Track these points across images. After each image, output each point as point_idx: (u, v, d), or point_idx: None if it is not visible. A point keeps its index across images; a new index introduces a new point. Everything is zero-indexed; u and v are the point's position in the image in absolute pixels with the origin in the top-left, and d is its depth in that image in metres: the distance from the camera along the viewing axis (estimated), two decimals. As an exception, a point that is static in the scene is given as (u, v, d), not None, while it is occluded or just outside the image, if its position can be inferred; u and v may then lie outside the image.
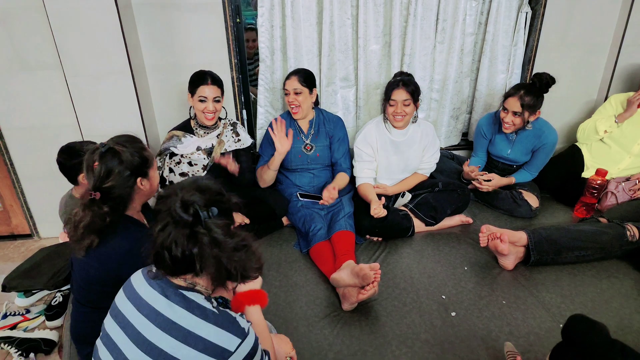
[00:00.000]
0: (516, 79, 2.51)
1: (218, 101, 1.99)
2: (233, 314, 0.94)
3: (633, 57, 2.51)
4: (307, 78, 2.08)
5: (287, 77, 2.11)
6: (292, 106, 2.11)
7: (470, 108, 2.66)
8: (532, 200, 2.19)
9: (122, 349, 0.92)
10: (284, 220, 2.18)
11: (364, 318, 1.57)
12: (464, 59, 2.46)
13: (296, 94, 2.07)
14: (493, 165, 2.40)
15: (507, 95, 2.15)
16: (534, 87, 2.09)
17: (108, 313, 1.01)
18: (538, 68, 2.47)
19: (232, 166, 2.02)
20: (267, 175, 2.13)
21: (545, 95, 2.13)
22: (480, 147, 2.39)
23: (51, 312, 1.89)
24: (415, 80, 2.10)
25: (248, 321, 0.97)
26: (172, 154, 2.07)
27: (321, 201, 2.00)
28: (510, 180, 2.27)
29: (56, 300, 1.93)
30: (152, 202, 1.33)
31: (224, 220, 0.91)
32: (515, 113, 2.11)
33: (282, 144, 2.04)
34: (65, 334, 1.59)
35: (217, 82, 1.98)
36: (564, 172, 2.37)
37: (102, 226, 1.18)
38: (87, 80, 2.07)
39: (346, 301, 1.61)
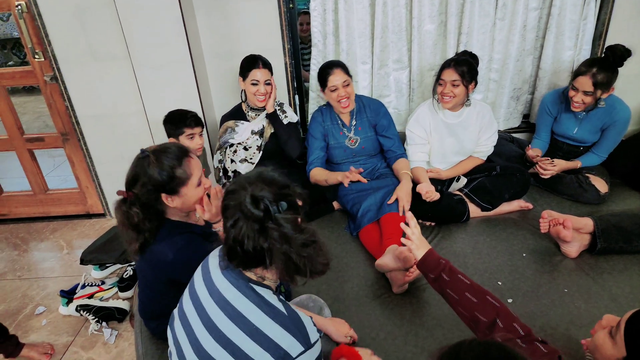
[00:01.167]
0: (585, 56, 2.33)
1: (269, 84, 2.06)
2: (304, 318, 0.93)
3: None
4: (346, 68, 2.03)
5: (327, 73, 1.99)
6: (342, 100, 2.01)
7: (532, 88, 2.51)
8: (601, 185, 2.05)
9: (194, 329, 0.95)
10: (335, 204, 2.21)
11: (415, 301, 1.57)
12: (527, 35, 2.32)
13: (345, 86, 2.00)
14: (557, 147, 2.25)
15: (577, 74, 1.98)
16: (607, 62, 1.92)
17: (187, 286, 1.04)
18: (610, 43, 2.26)
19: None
20: (319, 182, 2.11)
21: (619, 70, 1.96)
22: (544, 127, 2.24)
23: (123, 284, 2.08)
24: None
25: (319, 331, 0.96)
26: (230, 145, 2.18)
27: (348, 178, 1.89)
28: (576, 164, 2.13)
29: (127, 274, 2.12)
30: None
31: (293, 214, 0.91)
32: (586, 92, 1.96)
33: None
34: (135, 306, 1.73)
35: (267, 65, 2.06)
36: (636, 156, 2.18)
37: (135, 225, 1.18)
38: (152, 70, 2.20)
39: (395, 284, 1.61)
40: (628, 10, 2.24)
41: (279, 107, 2.21)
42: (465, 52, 2.08)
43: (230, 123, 2.17)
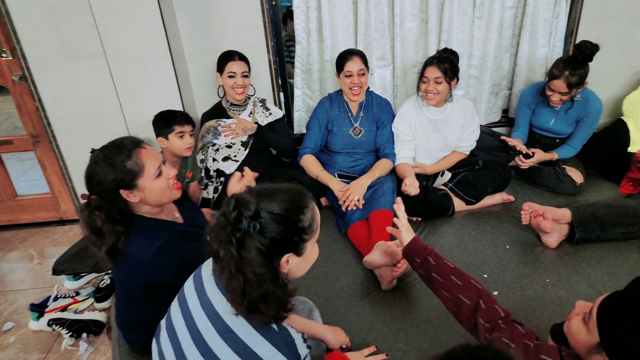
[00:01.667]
0: (558, 53, 2.42)
1: (246, 76, 2.06)
2: (294, 333, 0.88)
3: (683, 26, 2.38)
4: (365, 58, 2.05)
5: (346, 59, 2.00)
6: (355, 88, 2.04)
7: (510, 84, 2.59)
8: (576, 176, 2.15)
9: (181, 343, 0.89)
10: (323, 200, 2.22)
11: (404, 297, 1.59)
12: (504, 33, 2.39)
13: (361, 75, 2.02)
14: (535, 139, 2.35)
15: (551, 77, 2.06)
16: (577, 60, 2.01)
17: (177, 295, 0.98)
18: (581, 40, 2.36)
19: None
20: (308, 171, 2.13)
21: (590, 68, 2.05)
22: (523, 119, 2.33)
23: (99, 294, 1.96)
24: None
25: (309, 347, 0.92)
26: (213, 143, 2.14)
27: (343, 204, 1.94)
28: (553, 155, 2.22)
29: (104, 283, 2.00)
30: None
31: (265, 245, 0.80)
32: (562, 94, 2.05)
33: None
34: (113, 316, 1.63)
35: (243, 58, 2.06)
36: (608, 147, 2.30)
37: (98, 229, 1.13)
38: (129, 68, 2.13)
39: (383, 281, 1.62)
40: (597, 8, 2.34)
41: (262, 104, 2.19)
42: (446, 50, 2.13)
43: (212, 123, 2.13)
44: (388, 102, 2.25)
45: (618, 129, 2.31)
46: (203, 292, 0.91)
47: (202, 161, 2.19)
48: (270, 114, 2.21)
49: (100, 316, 1.89)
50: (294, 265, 0.88)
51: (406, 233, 1.30)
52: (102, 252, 1.15)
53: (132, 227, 1.18)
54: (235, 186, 1.45)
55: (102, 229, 1.13)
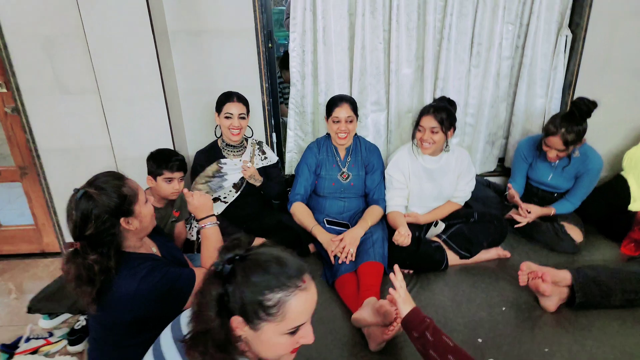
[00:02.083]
0: (556, 104, 2.40)
1: (243, 118, 2.04)
2: None
3: (682, 82, 2.36)
4: (354, 105, 2.05)
5: (335, 105, 2.01)
6: (342, 134, 2.03)
7: (507, 133, 2.56)
8: (576, 234, 2.06)
9: None
10: (311, 247, 2.13)
11: (393, 360, 1.49)
12: (501, 83, 2.38)
13: (348, 122, 2.02)
14: (532, 193, 2.27)
15: (547, 133, 1.99)
16: (574, 118, 1.94)
17: (156, 343, 0.94)
18: (579, 93, 2.35)
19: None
20: (297, 219, 2.10)
21: (588, 122, 2.00)
22: (520, 172, 2.26)
23: (74, 337, 1.86)
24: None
25: None
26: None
27: (333, 253, 1.88)
28: (550, 210, 2.14)
29: (79, 324, 1.91)
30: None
31: (224, 292, 0.81)
32: (559, 150, 1.99)
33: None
34: None
35: (242, 100, 2.05)
36: (608, 204, 2.23)
37: (92, 275, 1.09)
38: (121, 104, 2.11)
39: (372, 341, 1.52)
40: (596, 61, 2.34)
41: (259, 147, 2.17)
42: (443, 98, 2.10)
43: (214, 167, 2.09)
44: (377, 147, 2.22)
45: (618, 185, 2.24)
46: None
47: None
48: (265, 157, 2.18)
49: None
50: (250, 338, 0.84)
51: (404, 304, 1.23)
52: (92, 295, 1.11)
53: (120, 265, 1.16)
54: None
55: (96, 272, 1.10)
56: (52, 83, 2.19)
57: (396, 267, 1.35)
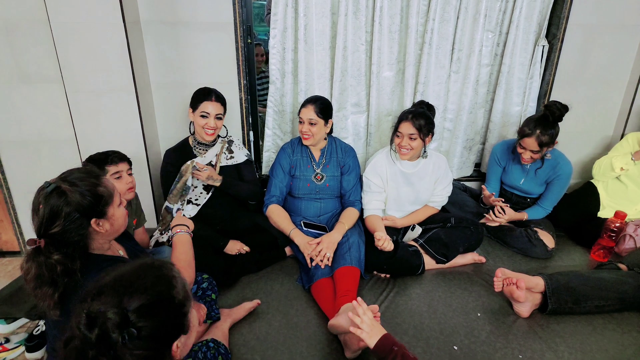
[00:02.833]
0: (531, 112, 2.45)
1: (220, 118, 1.95)
2: None
3: (650, 95, 2.45)
4: (323, 109, 1.98)
5: (303, 105, 1.99)
6: (305, 135, 2.00)
7: (483, 139, 2.59)
8: (548, 240, 2.10)
9: None
10: (287, 250, 2.08)
11: (370, 369, 1.46)
12: (479, 89, 2.40)
13: (311, 124, 1.97)
14: (506, 198, 2.30)
15: (522, 135, 2.04)
16: (547, 120, 2.00)
17: None
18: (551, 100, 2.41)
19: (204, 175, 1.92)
20: (274, 222, 2.05)
21: (561, 129, 2.05)
22: (494, 176, 2.30)
23: (32, 343, 1.75)
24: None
25: None
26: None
27: (309, 255, 1.85)
28: (523, 215, 2.18)
29: (38, 330, 1.80)
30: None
31: (149, 348, 0.68)
32: (533, 152, 2.04)
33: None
34: None
35: (220, 99, 1.95)
36: (579, 211, 2.29)
37: (55, 276, 1.01)
38: (88, 96, 1.99)
39: (348, 349, 1.48)
40: (571, 71, 2.40)
41: (227, 146, 2.08)
42: (422, 103, 2.09)
43: (189, 163, 1.97)
44: (352, 148, 2.18)
45: (588, 193, 2.31)
46: None
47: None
48: (232, 157, 2.08)
49: None
50: (182, 346, 0.77)
51: (370, 337, 1.20)
52: (54, 299, 1.02)
53: (86, 267, 1.07)
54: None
55: (60, 274, 1.01)
56: (11, 70, 2.04)
57: (359, 299, 1.31)
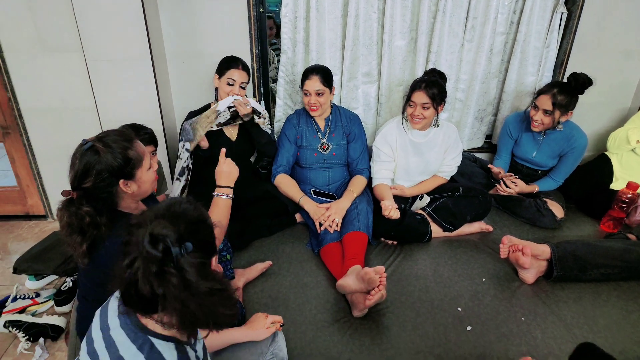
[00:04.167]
0: (547, 82, 2.39)
1: (243, 87, 2.01)
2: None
3: (672, 66, 2.38)
4: (327, 77, 2.00)
5: (306, 77, 2.00)
6: (313, 107, 2.02)
7: (495, 110, 2.56)
8: (557, 210, 2.10)
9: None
10: (297, 216, 2.14)
11: (375, 326, 1.52)
12: (493, 59, 2.36)
13: (318, 95, 1.99)
14: (517, 170, 2.30)
15: (539, 92, 2.06)
16: (569, 87, 2.00)
17: (88, 331, 0.92)
18: (570, 72, 2.33)
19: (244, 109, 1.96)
20: (283, 191, 2.09)
21: (579, 98, 2.03)
22: (505, 148, 2.29)
23: (60, 298, 1.89)
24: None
25: None
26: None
27: (318, 220, 1.91)
28: (534, 188, 2.18)
29: (66, 286, 1.93)
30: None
31: (200, 257, 0.80)
32: (545, 111, 2.02)
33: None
34: (72, 322, 1.59)
35: (247, 68, 2.01)
36: (591, 182, 2.27)
37: (84, 226, 1.10)
38: (106, 65, 2.05)
39: (355, 308, 1.55)
40: (589, 41, 2.33)
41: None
42: (434, 71, 2.08)
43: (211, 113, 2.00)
44: (357, 116, 2.21)
45: (601, 165, 2.28)
46: (109, 336, 0.86)
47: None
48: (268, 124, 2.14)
49: (59, 321, 1.81)
50: (218, 270, 0.89)
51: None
52: (83, 248, 1.12)
53: (113, 222, 1.16)
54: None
55: (88, 224, 1.10)
56: (35, 40, 2.11)
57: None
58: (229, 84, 1.97)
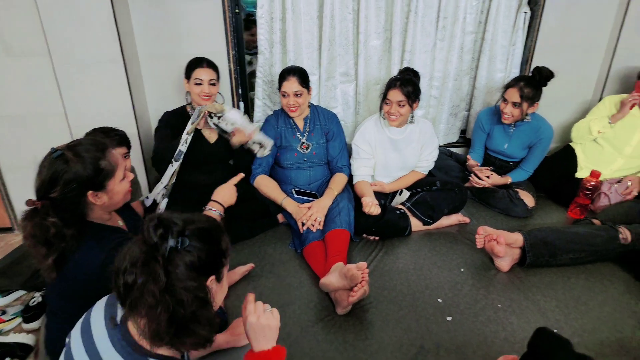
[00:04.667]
0: (514, 78, 2.50)
1: (213, 84, 1.98)
2: None
3: (627, 60, 2.53)
4: (304, 77, 2.02)
5: (283, 78, 2.00)
6: (292, 108, 2.03)
7: (468, 105, 2.66)
8: (528, 199, 2.21)
9: None
10: (279, 217, 2.15)
11: (358, 323, 1.55)
12: (464, 57, 2.44)
13: (297, 95, 2.01)
14: (490, 162, 2.41)
15: (507, 86, 2.18)
16: (534, 80, 2.13)
17: (66, 349, 0.87)
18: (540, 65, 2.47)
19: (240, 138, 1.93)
20: (263, 192, 2.09)
21: (543, 92, 2.16)
22: (479, 142, 2.40)
23: (29, 314, 1.77)
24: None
25: None
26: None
27: (300, 219, 1.92)
28: (507, 179, 2.28)
29: (35, 301, 1.81)
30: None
31: (196, 260, 0.76)
32: (514, 104, 2.14)
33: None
34: (42, 339, 1.51)
35: (212, 65, 1.99)
36: (558, 172, 2.40)
37: (49, 238, 1.05)
38: (76, 68, 1.99)
39: (339, 305, 1.58)
40: (552, 38, 2.45)
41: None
42: (408, 69, 2.13)
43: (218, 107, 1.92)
44: (334, 114, 2.24)
45: (567, 155, 2.41)
46: (95, 352, 0.82)
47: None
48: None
49: (28, 339, 1.70)
50: (213, 293, 0.85)
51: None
52: (49, 261, 1.07)
53: (83, 234, 1.12)
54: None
55: (54, 236, 1.05)
56: (-3, 44, 2.02)
57: None
58: (197, 84, 1.95)
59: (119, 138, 1.78)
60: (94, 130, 1.76)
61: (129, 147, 1.83)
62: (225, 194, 1.54)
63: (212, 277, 0.83)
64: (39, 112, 2.18)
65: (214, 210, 1.46)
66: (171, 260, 0.74)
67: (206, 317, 0.79)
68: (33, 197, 1.08)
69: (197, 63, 1.96)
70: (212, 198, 1.51)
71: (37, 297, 1.84)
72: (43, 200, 1.06)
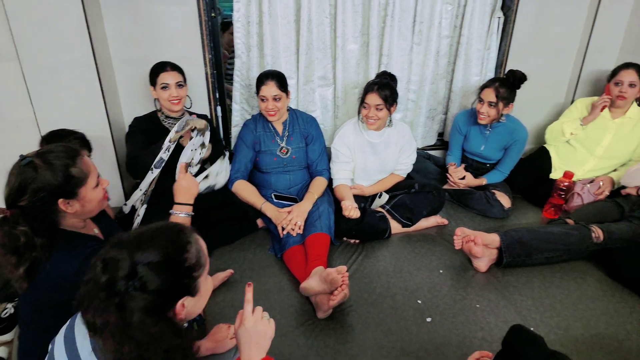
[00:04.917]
0: (489, 82, 2.55)
1: (181, 86, 1.93)
2: None
3: (597, 63, 2.61)
4: (282, 81, 2.00)
5: (262, 83, 1.98)
6: (271, 112, 2.02)
7: (445, 109, 2.69)
8: (505, 200, 2.25)
9: None
10: (259, 222, 2.13)
11: (339, 326, 1.54)
12: (440, 61, 2.48)
13: (276, 100, 1.99)
14: (467, 164, 2.45)
15: (483, 87, 2.22)
16: (508, 82, 2.18)
17: (47, 354, 0.85)
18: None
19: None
20: (242, 197, 2.06)
21: (517, 95, 2.21)
22: (456, 144, 2.44)
23: (1, 326, 1.73)
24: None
25: None
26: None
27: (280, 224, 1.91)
28: (482, 181, 2.33)
29: (7, 312, 1.75)
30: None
31: (154, 298, 0.71)
32: (490, 103, 2.18)
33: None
34: (14, 352, 1.48)
35: (176, 68, 1.94)
36: (533, 173, 2.44)
37: (19, 246, 1.02)
38: (46, 73, 1.94)
39: (319, 309, 1.57)
40: (525, 42, 2.51)
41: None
42: (385, 73, 2.15)
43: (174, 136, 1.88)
44: (313, 118, 2.23)
45: (541, 156, 2.46)
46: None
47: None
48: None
49: (1, 351, 1.65)
50: (190, 307, 0.81)
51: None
52: (20, 271, 1.03)
53: (55, 242, 1.08)
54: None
55: (24, 245, 1.02)
56: (-38, 48, 1.95)
57: None
58: (163, 88, 1.90)
59: (79, 141, 1.73)
60: (50, 133, 1.71)
61: (89, 149, 1.79)
62: (184, 188, 1.44)
63: (183, 299, 0.78)
64: (8, 118, 2.11)
65: (180, 214, 1.41)
66: (124, 306, 0.70)
67: (180, 351, 0.76)
68: (2, 205, 1.05)
69: (160, 68, 1.92)
70: (175, 200, 1.43)
71: (10, 308, 1.78)
72: (12, 208, 1.03)
